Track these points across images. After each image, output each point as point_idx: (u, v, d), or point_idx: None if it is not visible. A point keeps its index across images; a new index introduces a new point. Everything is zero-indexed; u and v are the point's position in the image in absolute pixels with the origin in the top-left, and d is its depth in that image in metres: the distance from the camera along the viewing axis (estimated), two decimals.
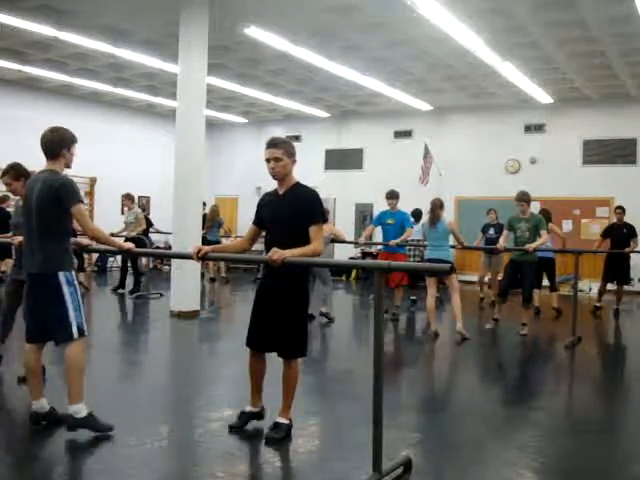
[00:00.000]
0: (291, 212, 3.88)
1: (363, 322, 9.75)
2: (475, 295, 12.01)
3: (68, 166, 4.13)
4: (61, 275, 3.95)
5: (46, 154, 4.07)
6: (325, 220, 4.02)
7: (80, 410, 3.89)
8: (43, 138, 4.05)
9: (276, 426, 4.02)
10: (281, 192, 4.00)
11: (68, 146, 4.08)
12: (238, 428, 4.10)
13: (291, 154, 3.95)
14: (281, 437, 3.97)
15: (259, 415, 4.19)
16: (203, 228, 13.65)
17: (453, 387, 6.13)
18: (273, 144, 3.93)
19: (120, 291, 11.48)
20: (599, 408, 5.36)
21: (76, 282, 4.05)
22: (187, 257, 4.18)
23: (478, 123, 15.34)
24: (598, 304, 10.39)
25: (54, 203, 3.92)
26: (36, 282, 4.00)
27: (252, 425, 4.13)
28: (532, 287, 8.37)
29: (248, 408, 4.16)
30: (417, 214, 11.12)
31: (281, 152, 3.90)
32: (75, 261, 4.33)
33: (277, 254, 3.58)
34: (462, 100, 14.70)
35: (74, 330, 3.94)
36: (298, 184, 4.01)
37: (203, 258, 3.95)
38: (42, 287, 3.97)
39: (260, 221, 4.13)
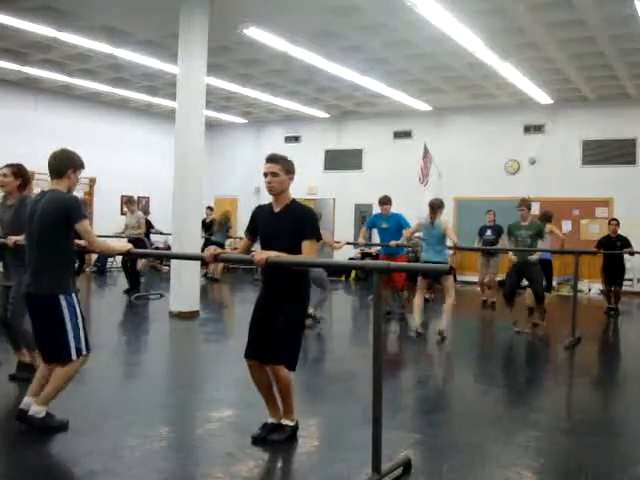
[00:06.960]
0: (288, 231, 3.84)
1: (362, 322, 9.75)
2: (474, 296, 12.01)
3: (71, 189, 4.14)
4: (62, 298, 3.95)
5: (52, 173, 4.07)
6: (320, 238, 3.99)
7: (41, 411, 3.99)
8: (51, 157, 4.07)
9: (279, 427, 4.01)
10: (276, 210, 3.95)
11: (74, 168, 4.10)
12: (260, 439, 3.96)
13: (289, 171, 3.91)
14: (283, 439, 3.95)
15: (280, 427, 4.05)
16: (207, 231, 13.77)
17: (453, 387, 6.12)
18: (272, 159, 3.90)
19: (136, 294, 10.83)
20: (599, 408, 5.36)
21: (76, 303, 4.03)
22: (194, 258, 4.18)
23: (478, 124, 15.33)
24: (609, 305, 10.78)
25: (58, 221, 3.92)
26: (36, 303, 4.00)
27: (252, 426, 4.12)
28: (542, 285, 8.45)
29: (270, 420, 4.07)
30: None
31: (278, 168, 3.86)
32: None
33: (259, 255, 3.59)
34: (462, 100, 14.68)
35: (72, 352, 3.99)
36: (294, 202, 3.96)
37: (216, 259, 3.96)
38: (42, 309, 3.98)
39: (253, 235, 4.11)
